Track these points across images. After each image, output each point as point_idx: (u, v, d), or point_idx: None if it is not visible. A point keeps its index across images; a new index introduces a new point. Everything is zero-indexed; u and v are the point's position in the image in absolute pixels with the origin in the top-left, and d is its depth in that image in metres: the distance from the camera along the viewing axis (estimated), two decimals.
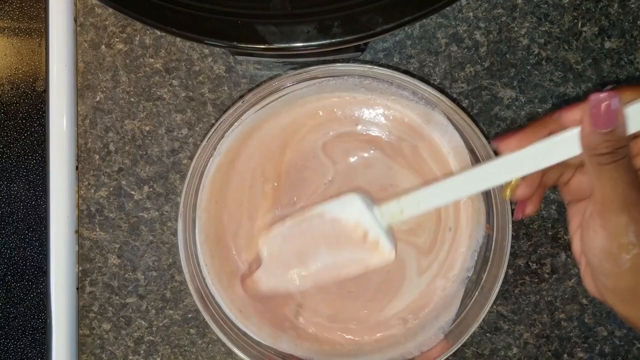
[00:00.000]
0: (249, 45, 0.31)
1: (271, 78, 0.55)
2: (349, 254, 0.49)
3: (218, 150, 0.52)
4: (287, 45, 0.31)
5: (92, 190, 0.57)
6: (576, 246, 0.45)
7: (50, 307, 0.56)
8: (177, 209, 0.57)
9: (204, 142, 0.49)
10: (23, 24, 0.56)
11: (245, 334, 0.53)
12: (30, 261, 0.57)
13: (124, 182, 0.57)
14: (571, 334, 0.57)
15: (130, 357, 0.58)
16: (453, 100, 0.53)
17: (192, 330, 0.58)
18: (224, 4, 0.32)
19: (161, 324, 0.58)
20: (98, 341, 0.58)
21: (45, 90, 0.55)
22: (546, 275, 0.57)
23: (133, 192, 0.57)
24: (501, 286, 0.51)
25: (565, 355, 0.57)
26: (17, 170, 0.57)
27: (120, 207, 0.57)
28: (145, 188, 0.57)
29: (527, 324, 0.57)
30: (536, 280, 0.57)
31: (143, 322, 0.58)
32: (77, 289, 0.58)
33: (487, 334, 0.57)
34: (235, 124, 0.51)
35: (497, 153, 0.43)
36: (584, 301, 0.57)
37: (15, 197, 0.57)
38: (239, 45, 0.31)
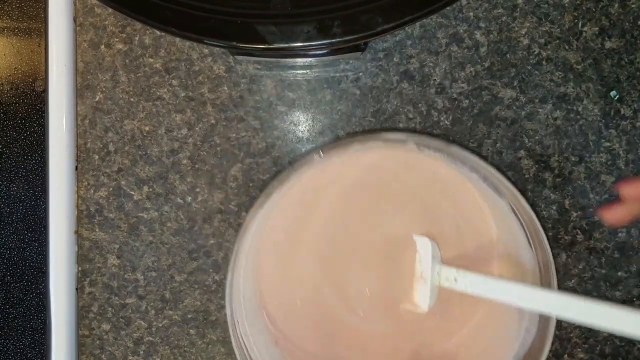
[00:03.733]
0: (249, 45, 0.31)
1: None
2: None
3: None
4: (286, 45, 0.31)
5: (92, 191, 0.57)
6: None
7: (50, 308, 0.56)
8: (176, 209, 0.57)
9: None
10: (23, 24, 0.56)
11: None
12: (30, 261, 0.57)
13: (123, 183, 0.57)
14: (571, 335, 0.57)
15: (130, 358, 0.58)
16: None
17: (191, 331, 0.58)
18: (224, 4, 0.32)
19: (161, 325, 0.58)
20: (97, 342, 0.58)
21: (45, 90, 0.55)
22: None
23: (132, 193, 0.57)
24: None
25: (566, 356, 0.57)
26: (17, 170, 0.57)
27: (120, 208, 0.57)
28: (145, 188, 0.57)
29: None
30: None
31: (142, 323, 0.58)
32: (77, 289, 0.58)
33: None
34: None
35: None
36: None
37: (15, 197, 0.57)
38: (238, 45, 0.31)
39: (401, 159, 0.53)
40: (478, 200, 0.53)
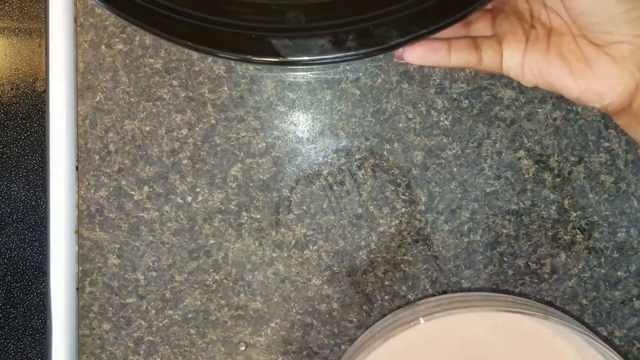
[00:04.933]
0: (263, 59, 0.31)
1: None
2: None
3: None
4: (301, 58, 0.31)
5: (92, 191, 0.57)
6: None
7: (50, 307, 0.56)
8: (177, 209, 0.57)
9: None
10: (23, 24, 0.56)
11: None
12: (30, 261, 0.57)
13: (123, 183, 0.57)
14: None
15: (130, 358, 0.58)
16: None
17: (192, 331, 0.58)
18: (239, 18, 0.32)
19: (161, 324, 0.58)
20: (98, 341, 0.58)
21: (45, 91, 0.55)
22: (546, 276, 0.57)
23: (133, 193, 0.57)
24: (501, 287, 0.52)
25: None
26: (17, 170, 0.56)
27: (120, 208, 0.57)
28: (145, 188, 0.57)
29: None
30: (536, 280, 0.57)
31: (143, 323, 0.58)
32: (77, 289, 0.58)
33: None
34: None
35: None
36: (584, 301, 0.57)
37: (15, 197, 0.57)
38: (253, 58, 0.31)
39: (503, 324, 0.54)
40: None
